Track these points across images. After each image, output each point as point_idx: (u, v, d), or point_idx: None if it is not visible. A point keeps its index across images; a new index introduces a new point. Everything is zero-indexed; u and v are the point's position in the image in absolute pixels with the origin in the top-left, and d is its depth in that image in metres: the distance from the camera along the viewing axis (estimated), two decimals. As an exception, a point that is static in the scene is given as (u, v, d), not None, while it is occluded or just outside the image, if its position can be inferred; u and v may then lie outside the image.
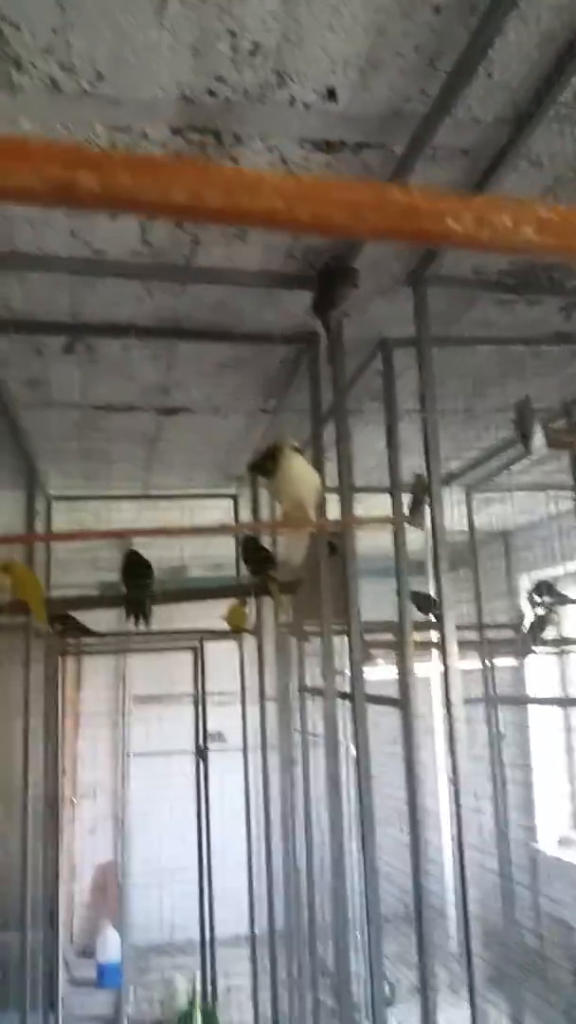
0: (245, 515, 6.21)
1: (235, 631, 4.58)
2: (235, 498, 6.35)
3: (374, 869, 2.75)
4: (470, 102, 1.97)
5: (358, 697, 2.82)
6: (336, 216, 0.60)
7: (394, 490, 3.29)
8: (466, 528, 5.74)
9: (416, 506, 2.16)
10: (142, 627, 3.58)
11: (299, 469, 2.76)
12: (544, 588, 4.78)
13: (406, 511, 2.47)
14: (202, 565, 8.26)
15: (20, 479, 4.95)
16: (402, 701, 2.83)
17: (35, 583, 3.44)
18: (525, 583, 6.06)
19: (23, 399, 4.06)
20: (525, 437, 2.46)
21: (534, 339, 3.29)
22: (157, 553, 7.46)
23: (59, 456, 5.17)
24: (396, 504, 3.28)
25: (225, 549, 6.70)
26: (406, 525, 2.30)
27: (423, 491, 2.24)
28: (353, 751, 3.86)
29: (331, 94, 1.97)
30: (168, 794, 7.94)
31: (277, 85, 1.94)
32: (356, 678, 2.80)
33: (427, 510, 2.31)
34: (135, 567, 3.45)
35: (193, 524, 7.31)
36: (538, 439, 2.34)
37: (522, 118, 2.04)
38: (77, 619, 4.08)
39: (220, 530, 5.51)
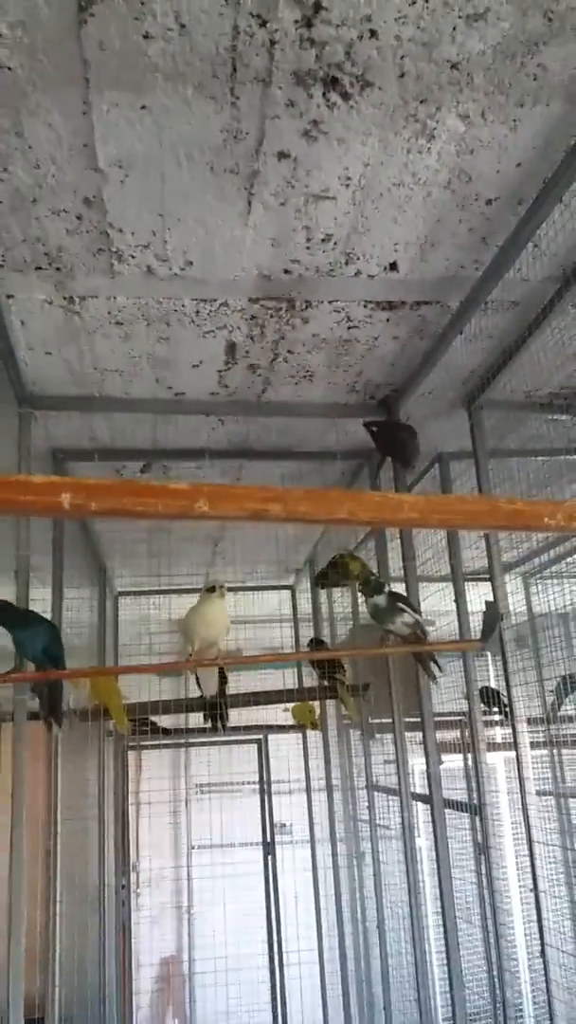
0: (303, 604, 6.38)
1: (301, 726, 4.68)
2: (293, 589, 6.54)
3: (459, 976, 2.78)
4: (519, 266, 2.18)
5: (436, 803, 2.90)
6: (458, 521, 0.78)
7: (455, 578, 3.59)
8: (525, 612, 5.81)
9: (488, 631, 2.29)
10: (217, 727, 3.72)
11: (215, 612, 3.00)
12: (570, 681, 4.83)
13: (477, 635, 2.61)
14: (257, 648, 8.41)
15: (92, 577, 5.21)
16: (478, 808, 2.90)
17: (115, 691, 3.61)
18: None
19: (99, 512, 4.32)
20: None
21: (584, 449, 3.45)
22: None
23: (128, 556, 5.43)
24: (457, 589, 3.55)
25: (282, 632, 6.87)
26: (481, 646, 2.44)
27: (495, 617, 2.38)
28: (424, 848, 3.91)
29: (393, 266, 2.21)
30: (233, 884, 7.90)
31: (345, 263, 2.19)
32: (433, 784, 2.89)
33: (499, 636, 2.45)
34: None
35: (251, 613, 7.50)
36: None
37: (568, 276, 2.25)
38: (156, 722, 4.24)
39: (288, 656, 5.67)
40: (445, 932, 2.82)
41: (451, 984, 2.88)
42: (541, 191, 1.88)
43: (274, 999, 6.59)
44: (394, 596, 2.91)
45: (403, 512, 0.77)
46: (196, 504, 0.75)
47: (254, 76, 1.58)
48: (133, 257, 2.15)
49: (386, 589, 2.93)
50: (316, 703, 4.85)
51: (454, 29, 1.49)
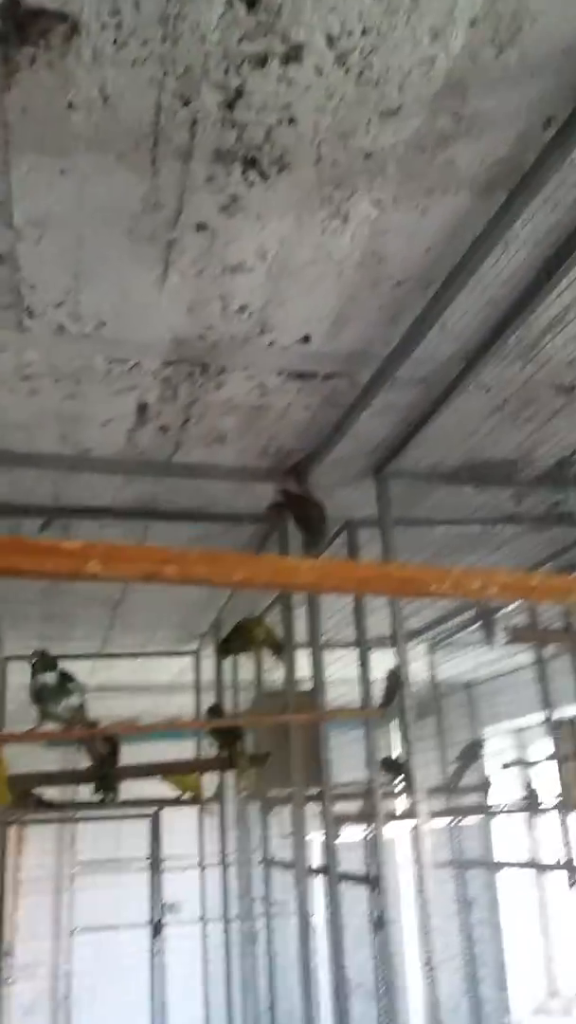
0: (206, 670, 6.26)
1: (192, 800, 4.52)
2: (196, 654, 6.41)
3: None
4: (426, 345, 2.27)
5: (332, 876, 2.85)
6: (352, 586, 0.79)
7: (360, 645, 3.56)
8: (429, 680, 5.87)
9: (389, 699, 2.30)
10: (107, 799, 3.56)
11: None
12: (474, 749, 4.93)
13: (378, 702, 2.62)
14: (156, 717, 8.17)
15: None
16: (375, 880, 2.86)
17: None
18: (490, 735, 6.13)
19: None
20: (487, 633, 2.67)
21: (487, 521, 3.57)
22: (114, 703, 7.41)
23: (18, 618, 5.22)
24: (362, 656, 3.53)
25: (183, 700, 6.70)
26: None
27: (396, 685, 2.39)
28: (319, 922, 3.82)
29: (306, 339, 2.27)
30: (117, 968, 7.46)
31: (259, 333, 2.23)
32: (330, 856, 2.84)
33: (400, 701, 2.47)
34: (104, 741, 3.48)
35: (150, 680, 7.31)
36: (499, 636, 2.55)
37: (471, 356, 2.36)
38: (41, 796, 4.03)
39: (185, 724, 5.53)
40: (336, 1006, 2.73)
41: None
42: (448, 276, 1.98)
43: None
44: (65, 676, 2.83)
45: (299, 576, 0.77)
46: (88, 564, 0.73)
47: (175, 151, 1.61)
48: (45, 314, 2.13)
49: (58, 667, 2.86)
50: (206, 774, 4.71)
51: (369, 122, 1.58)
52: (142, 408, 2.63)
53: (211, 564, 0.76)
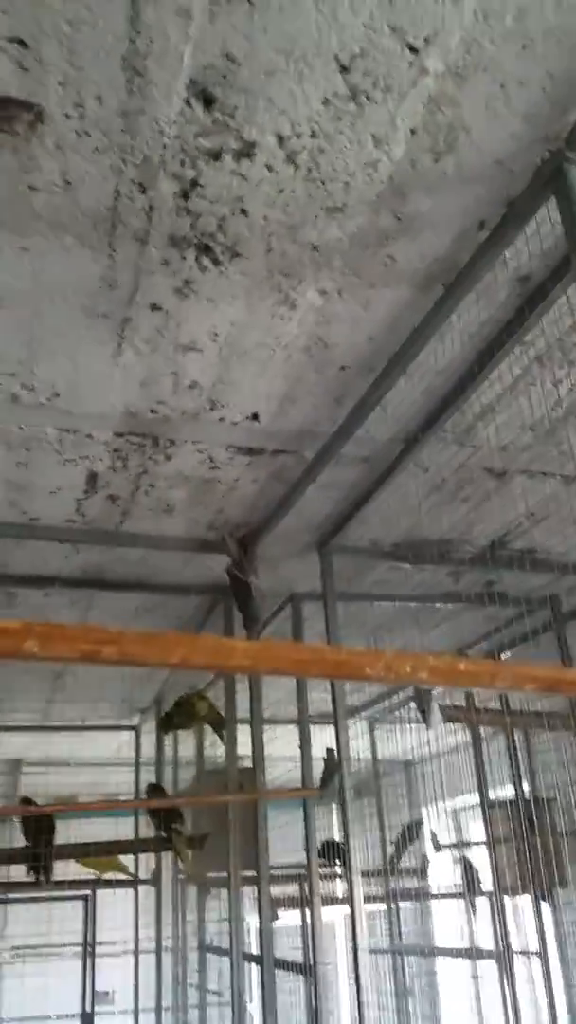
0: (147, 746, 6.12)
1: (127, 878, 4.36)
2: (137, 729, 6.28)
3: None
4: (368, 426, 2.36)
5: (267, 963, 2.76)
6: (288, 668, 0.82)
7: (301, 722, 3.56)
8: (368, 759, 5.82)
9: (328, 779, 2.29)
10: (40, 880, 3.42)
11: None
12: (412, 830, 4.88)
13: (316, 783, 2.60)
14: (94, 793, 7.91)
15: None
16: (311, 969, 2.78)
17: None
18: (430, 814, 6.07)
19: None
20: (424, 713, 2.70)
21: (427, 597, 3.64)
22: (52, 778, 7.17)
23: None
24: (303, 734, 3.53)
25: (123, 777, 6.50)
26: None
27: (335, 765, 2.39)
28: (254, 1013, 3.67)
29: (255, 416, 2.35)
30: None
31: (210, 409, 2.30)
32: (266, 942, 2.77)
33: (339, 780, 2.46)
34: (38, 821, 3.36)
35: (89, 756, 7.12)
36: (436, 716, 2.58)
37: (410, 439, 2.45)
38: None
39: (123, 804, 5.40)
40: None
41: None
42: (388, 363, 2.08)
43: None
44: None
45: (235, 658, 0.80)
46: (25, 644, 0.75)
47: (132, 234, 1.69)
48: (-1, 383, 2.17)
49: None
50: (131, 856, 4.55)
51: (316, 217, 1.68)
52: (92, 477, 2.65)
53: (149, 645, 0.78)
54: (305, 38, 1.33)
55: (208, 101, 1.43)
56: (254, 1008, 3.70)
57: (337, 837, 4.64)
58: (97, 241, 1.71)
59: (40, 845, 3.32)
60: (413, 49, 1.37)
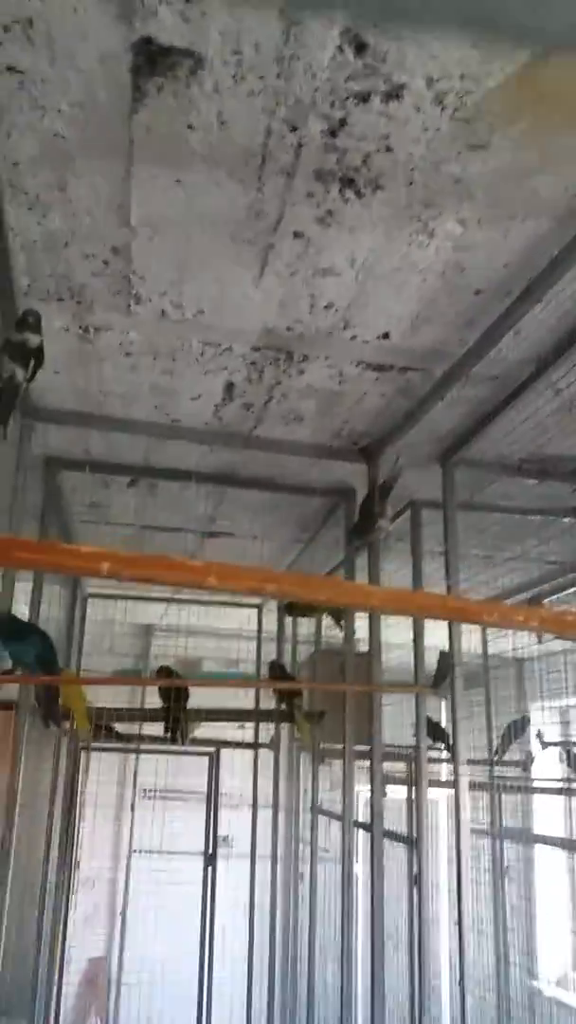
0: (268, 623, 6.53)
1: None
2: (260, 608, 6.69)
3: (382, 997, 2.95)
4: (500, 347, 2.39)
5: (376, 832, 3.07)
6: (416, 611, 0.97)
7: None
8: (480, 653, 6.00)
9: (441, 679, 2.47)
10: (177, 740, 3.86)
11: None
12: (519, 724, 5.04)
13: (428, 676, 2.80)
14: (218, 659, 8.55)
15: (65, 577, 5.35)
16: (415, 840, 3.08)
17: (80, 696, 3.75)
18: (537, 713, 6.24)
19: (82, 516, 4.48)
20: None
21: (549, 511, 3.68)
22: (176, 642, 7.80)
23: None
24: (417, 628, 3.70)
25: (244, 645, 7.01)
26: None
27: (448, 666, 2.56)
28: (359, 874, 4.08)
29: (386, 335, 2.42)
30: (169, 891, 7.97)
31: (343, 328, 2.39)
32: (376, 815, 3.07)
33: (451, 682, 2.64)
34: (177, 688, 3.76)
35: (217, 625, 7.66)
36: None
37: (543, 361, 2.46)
38: (114, 727, 4.37)
39: (250, 684, 5.79)
40: (373, 954, 2.99)
41: (373, 1003, 3.05)
42: (524, 290, 2.09)
43: (200, 1009, 6.69)
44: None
45: (372, 600, 0.95)
46: (208, 579, 0.92)
47: (280, 169, 1.77)
48: (151, 301, 2.33)
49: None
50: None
51: (459, 153, 1.70)
52: (229, 387, 2.82)
53: (302, 585, 0.94)
54: (459, -16, 1.34)
55: (360, 47, 1.47)
56: (359, 869, 4.10)
57: (443, 722, 4.91)
58: (247, 175, 1.80)
59: (177, 710, 3.73)
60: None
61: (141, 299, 2.33)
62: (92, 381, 2.85)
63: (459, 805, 2.92)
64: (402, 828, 3.80)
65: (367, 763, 3.34)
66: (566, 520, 3.77)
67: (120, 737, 4.56)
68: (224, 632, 8.29)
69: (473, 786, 4.00)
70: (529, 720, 5.48)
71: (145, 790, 8.70)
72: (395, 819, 4.20)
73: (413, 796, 3.56)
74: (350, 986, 3.26)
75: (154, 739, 4.70)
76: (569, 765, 4.75)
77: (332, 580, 0.98)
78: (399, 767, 4.50)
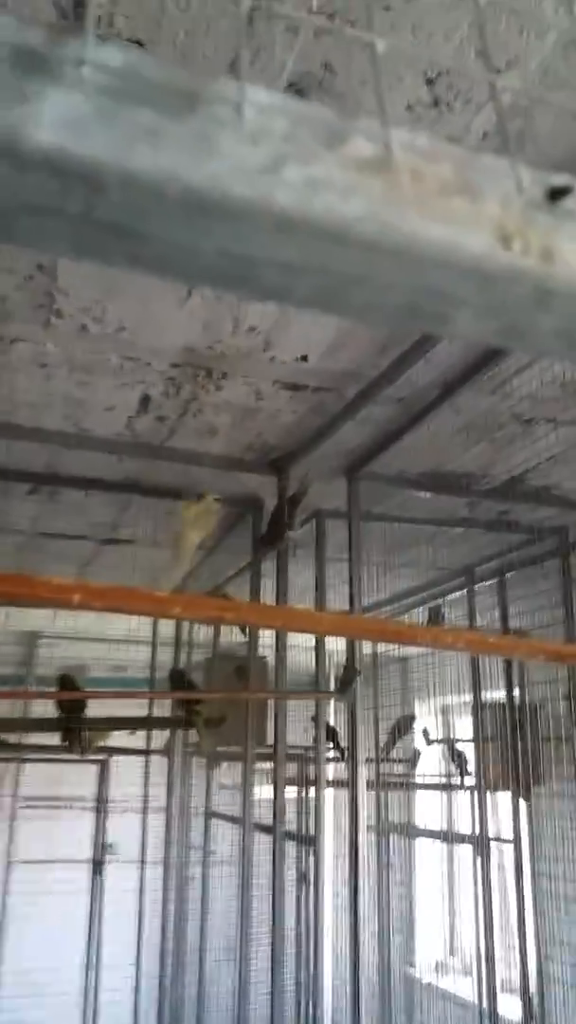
0: (163, 627, 6.52)
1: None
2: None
3: (281, 996, 3.06)
4: (409, 373, 2.54)
5: (278, 833, 3.18)
6: (359, 634, 1.07)
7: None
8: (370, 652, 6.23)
9: (346, 685, 2.60)
10: (75, 749, 3.83)
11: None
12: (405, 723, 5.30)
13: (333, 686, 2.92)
14: (104, 667, 8.44)
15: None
16: (312, 840, 3.19)
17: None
18: (422, 709, 6.53)
19: (-26, 523, 4.36)
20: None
21: (443, 522, 3.90)
22: (61, 652, 7.66)
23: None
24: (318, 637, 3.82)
25: (131, 653, 6.99)
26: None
27: (353, 675, 2.70)
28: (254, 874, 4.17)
29: (304, 358, 2.53)
30: (51, 902, 7.80)
31: (263, 349, 2.47)
32: (278, 815, 3.17)
33: (354, 689, 2.78)
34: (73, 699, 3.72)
35: (106, 631, 7.58)
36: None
37: (448, 386, 2.64)
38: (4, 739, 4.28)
39: (147, 694, 5.79)
40: (273, 953, 3.08)
41: (272, 1002, 3.15)
42: (435, 324, 2.24)
43: (84, 1019, 6.61)
44: None
45: (321, 626, 1.04)
46: (173, 609, 0.99)
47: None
48: (72, 316, 2.34)
49: None
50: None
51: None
52: (145, 400, 2.85)
53: (260, 613, 1.02)
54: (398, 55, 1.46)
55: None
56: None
57: (332, 722, 5.07)
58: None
59: (74, 720, 3.70)
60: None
61: (63, 314, 2.33)
62: (3, 390, 2.81)
63: (356, 803, 3.07)
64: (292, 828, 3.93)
65: (266, 765, 3.44)
66: (457, 530, 4.01)
67: (9, 747, 4.47)
68: (112, 636, 8.21)
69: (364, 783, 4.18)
70: (415, 717, 5.74)
71: (26, 799, 8.46)
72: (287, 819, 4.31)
73: (311, 796, 3.70)
74: (246, 985, 3.34)
75: (41, 748, 4.63)
76: (454, 761, 5.02)
77: (286, 609, 1.05)
78: (290, 768, 4.63)
